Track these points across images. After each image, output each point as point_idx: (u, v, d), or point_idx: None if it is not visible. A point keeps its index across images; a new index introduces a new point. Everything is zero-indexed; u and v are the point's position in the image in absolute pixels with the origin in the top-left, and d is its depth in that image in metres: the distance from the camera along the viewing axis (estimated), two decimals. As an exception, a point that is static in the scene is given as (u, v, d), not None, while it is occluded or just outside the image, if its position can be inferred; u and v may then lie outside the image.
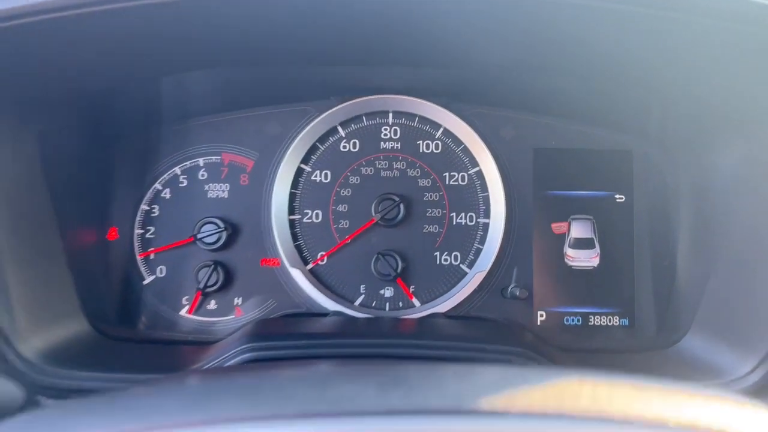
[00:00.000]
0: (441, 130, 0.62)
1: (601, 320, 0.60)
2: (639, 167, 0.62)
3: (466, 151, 0.62)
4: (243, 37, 0.48)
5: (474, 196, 0.62)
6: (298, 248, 0.62)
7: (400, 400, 0.30)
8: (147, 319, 0.60)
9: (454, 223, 0.62)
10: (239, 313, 0.61)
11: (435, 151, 0.62)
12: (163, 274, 0.62)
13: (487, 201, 0.62)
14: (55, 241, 0.52)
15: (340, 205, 0.62)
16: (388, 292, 0.62)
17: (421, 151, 0.62)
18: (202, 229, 0.61)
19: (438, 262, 0.62)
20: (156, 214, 0.62)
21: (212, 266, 0.60)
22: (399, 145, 0.63)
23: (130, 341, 0.57)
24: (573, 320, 0.60)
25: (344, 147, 0.63)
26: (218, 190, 0.63)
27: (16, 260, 0.48)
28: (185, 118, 0.61)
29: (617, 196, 0.62)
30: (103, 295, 0.59)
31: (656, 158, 0.61)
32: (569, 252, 0.61)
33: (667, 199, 0.60)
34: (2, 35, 0.40)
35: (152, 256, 0.62)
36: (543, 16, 0.43)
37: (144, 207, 0.62)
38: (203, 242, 0.61)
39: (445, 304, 0.60)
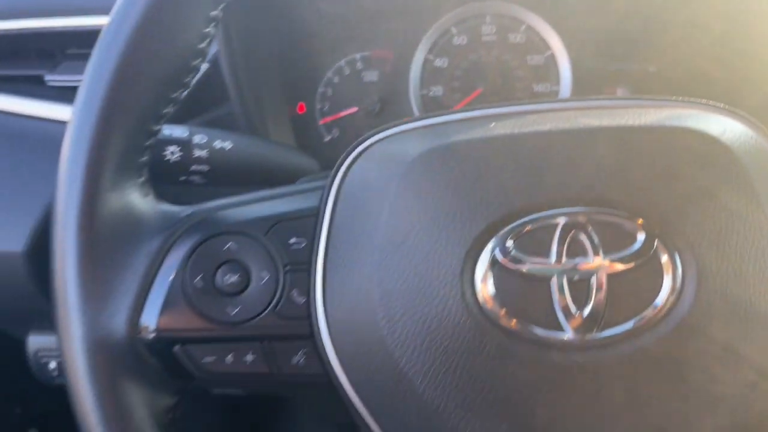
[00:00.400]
0: (524, 25, 0.88)
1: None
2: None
3: (543, 40, 0.88)
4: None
5: (549, 71, 0.88)
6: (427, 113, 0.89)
7: None
8: (328, 165, 0.89)
9: (535, 90, 0.88)
10: (389, 159, 0.89)
11: (521, 41, 0.88)
12: (336, 135, 0.90)
13: (558, 74, 0.88)
14: (285, 110, 0.82)
15: (454, 82, 0.89)
16: (490, 141, 0.89)
17: (510, 41, 0.88)
18: (361, 102, 0.89)
19: (524, 119, 0.89)
20: (330, 94, 0.90)
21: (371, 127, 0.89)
22: (495, 38, 0.89)
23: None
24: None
25: (456, 41, 0.89)
26: (370, 76, 0.90)
27: (273, 118, 0.78)
28: (350, 23, 0.89)
29: (650, 68, 0.88)
30: (301, 147, 0.88)
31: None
32: (616, 107, 0.88)
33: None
34: None
35: (329, 122, 0.90)
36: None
37: (321, 89, 0.90)
38: (364, 110, 0.89)
39: (530, 147, 0.88)
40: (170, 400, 0.44)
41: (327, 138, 0.90)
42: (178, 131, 0.57)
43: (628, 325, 0.37)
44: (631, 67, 0.87)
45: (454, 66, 0.90)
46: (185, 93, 0.45)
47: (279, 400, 1.22)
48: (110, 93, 0.41)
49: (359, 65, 0.90)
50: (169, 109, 0.44)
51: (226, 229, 0.44)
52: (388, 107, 0.89)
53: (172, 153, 0.55)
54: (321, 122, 0.90)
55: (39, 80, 0.74)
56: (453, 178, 0.39)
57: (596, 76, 0.86)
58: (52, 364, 0.81)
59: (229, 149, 0.59)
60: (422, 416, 0.39)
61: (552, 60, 0.87)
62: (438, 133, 0.42)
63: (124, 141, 0.42)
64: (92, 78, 0.41)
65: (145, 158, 0.44)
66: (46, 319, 0.79)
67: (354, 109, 0.89)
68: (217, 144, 0.58)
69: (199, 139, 0.57)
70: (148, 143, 0.44)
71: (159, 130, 0.44)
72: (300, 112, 0.90)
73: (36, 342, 0.81)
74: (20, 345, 0.90)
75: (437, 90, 0.89)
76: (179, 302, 0.42)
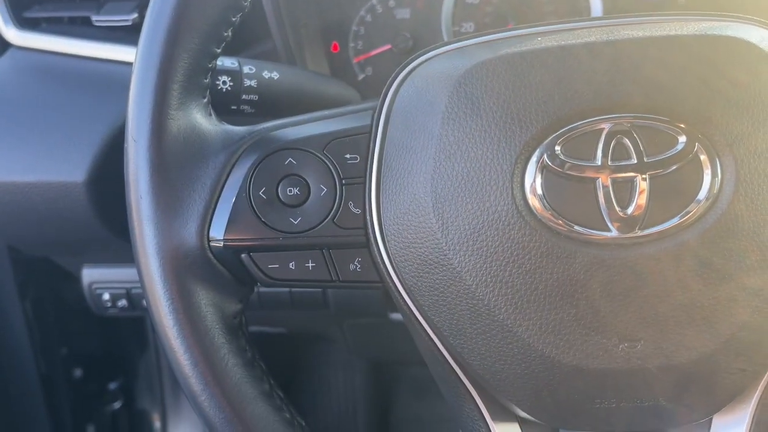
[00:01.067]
0: (555, -40, 0.89)
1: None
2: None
3: (573, -26, 0.89)
4: None
5: (579, 5, 0.89)
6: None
7: None
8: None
9: (565, 26, 0.90)
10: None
11: (551, -25, 0.89)
12: (370, 73, 0.92)
13: (588, 8, 0.89)
14: (322, 48, 0.84)
15: (485, 18, 0.91)
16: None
17: (540, -23, 0.90)
18: (394, 40, 0.91)
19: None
20: (362, 33, 0.92)
21: (404, 63, 0.90)
22: (525, -27, 0.90)
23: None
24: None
25: (486, -22, 0.91)
26: (402, 13, 0.91)
27: (311, 56, 0.80)
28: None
29: (680, 0, 0.89)
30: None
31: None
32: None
33: None
34: None
35: (362, 60, 0.92)
36: None
37: (354, 27, 0.92)
38: (396, 47, 0.90)
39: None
40: (236, 306, 0.48)
41: (361, 76, 0.92)
42: (228, 62, 0.59)
43: (669, 223, 0.40)
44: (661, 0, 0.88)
45: (485, 2, 0.90)
46: (240, 19, 0.48)
47: (313, 338, 1.26)
48: (177, 14, 0.43)
49: (391, 3, 0.91)
50: (228, 33, 0.47)
51: (286, 145, 0.47)
52: (420, 44, 0.90)
53: (224, 83, 0.58)
54: (355, 60, 0.92)
55: (86, 21, 0.76)
56: (503, 87, 0.42)
57: (626, 10, 0.87)
58: (106, 296, 0.85)
59: (277, 79, 0.61)
60: (473, 314, 0.42)
61: (584, -7, 0.88)
62: (486, 49, 0.44)
63: (190, 61, 0.44)
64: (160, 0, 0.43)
65: (207, 80, 0.47)
66: (102, 249, 0.83)
67: (387, 47, 0.91)
68: (265, 74, 0.61)
69: (248, 69, 0.60)
70: (210, 65, 0.46)
71: (219, 54, 0.47)
72: (334, 51, 0.91)
73: (90, 274, 0.85)
74: (70, 283, 0.95)
75: (469, 26, 0.90)
76: (245, 213, 0.46)
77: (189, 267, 0.45)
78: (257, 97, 0.60)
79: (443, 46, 0.47)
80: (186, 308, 0.45)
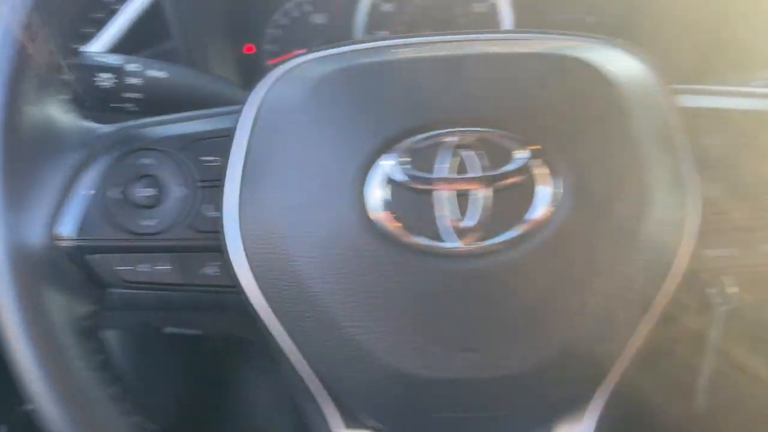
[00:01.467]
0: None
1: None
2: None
3: (486, -11, 0.90)
4: None
5: (492, 19, 0.90)
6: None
7: None
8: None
9: (479, 37, 0.91)
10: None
11: (466, -10, 0.91)
12: (284, 76, 0.92)
13: (500, 23, 0.90)
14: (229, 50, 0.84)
15: (400, 27, 0.91)
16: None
17: (456, -10, 0.91)
18: (309, 45, 0.91)
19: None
20: (278, 35, 0.92)
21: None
22: (441, -13, 0.91)
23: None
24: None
25: (402, -12, 0.91)
26: (319, 18, 0.92)
27: (216, 57, 0.79)
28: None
29: (588, 19, 0.90)
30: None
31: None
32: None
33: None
34: None
35: (276, 63, 0.92)
36: None
37: (269, 30, 0.92)
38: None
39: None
40: (88, 308, 0.47)
41: (275, 79, 0.91)
42: (111, 59, 0.58)
43: (507, 235, 0.41)
44: (571, 17, 0.90)
45: (400, 11, 0.91)
46: (113, 17, 0.47)
47: (239, 342, 1.25)
48: (31, 10, 0.42)
49: (307, 7, 0.91)
50: (92, 30, 0.46)
51: (144, 145, 0.46)
52: (336, 50, 0.91)
53: (104, 80, 0.57)
54: (269, 63, 0.91)
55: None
56: (351, 97, 0.42)
57: (536, 25, 0.88)
58: None
59: (164, 78, 0.61)
60: (319, 322, 0.43)
61: (494, 8, 0.89)
62: (343, 58, 0.45)
63: (46, 58, 0.44)
64: None
65: (68, 77, 0.46)
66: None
67: (302, 51, 0.90)
68: (152, 72, 0.60)
69: (132, 67, 0.59)
70: (70, 62, 0.46)
71: (80, 51, 0.46)
72: (247, 53, 0.91)
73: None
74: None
75: (383, 34, 0.91)
76: (96, 213, 0.45)
77: (35, 266, 0.44)
78: (142, 95, 0.60)
79: (310, 53, 0.47)
80: (32, 309, 0.44)
